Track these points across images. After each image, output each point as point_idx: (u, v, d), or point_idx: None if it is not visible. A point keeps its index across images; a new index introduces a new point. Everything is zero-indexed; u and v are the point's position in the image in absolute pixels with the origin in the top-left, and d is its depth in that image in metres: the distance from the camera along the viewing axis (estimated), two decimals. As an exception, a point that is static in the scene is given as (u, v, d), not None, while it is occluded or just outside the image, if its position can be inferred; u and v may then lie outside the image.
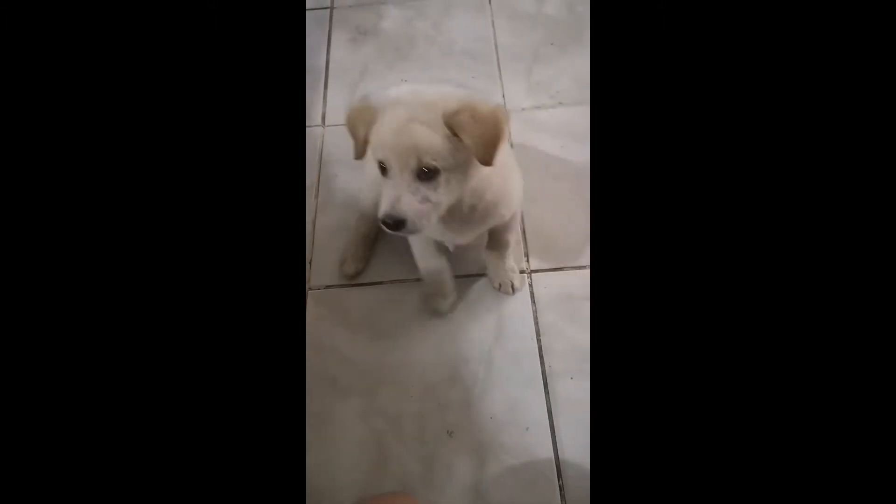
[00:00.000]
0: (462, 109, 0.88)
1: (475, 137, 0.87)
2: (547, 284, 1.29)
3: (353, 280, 1.33)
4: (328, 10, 1.82)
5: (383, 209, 0.89)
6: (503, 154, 1.00)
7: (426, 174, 0.89)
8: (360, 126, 0.92)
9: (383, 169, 0.91)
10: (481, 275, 1.31)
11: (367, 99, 0.94)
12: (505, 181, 1.06)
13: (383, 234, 1.29)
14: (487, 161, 0.90)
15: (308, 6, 1.83)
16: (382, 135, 0.88)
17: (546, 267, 1.32)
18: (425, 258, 1.20)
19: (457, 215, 1.02)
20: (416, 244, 1.19)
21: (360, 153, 0.94)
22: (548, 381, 1.17)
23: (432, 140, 0.87)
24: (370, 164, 1.28)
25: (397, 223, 0.88)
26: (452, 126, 0.87)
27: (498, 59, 1.67)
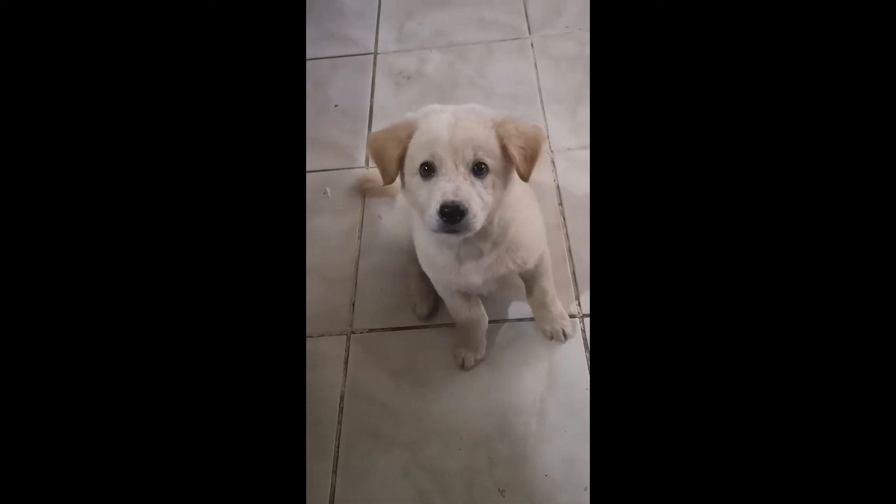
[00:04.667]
0: (508, 121, 0.90)
1: (518, 149, 0.88)
2: (601, 330, 1.21)
3: (428, 320, 1.27)
4: (372, 56, 1.86)
5: (443, 198, 0.84)
6: (528, 195, 1.01)
7: (478, 171, 0.88)
8: (391, 145, 0.90)
9: (427, 171, 0.88)
10: (530, 319, 1.24)
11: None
12: (528, 223, 1.04)
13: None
14: (526, 175, 0.91)
15: (352, 52, 1.88)
16: (432, 134, 0.87)
17: (599, 311, 1.24)
18: (456, 309, 1.15)
19: (483, 242, 0.98)
20: (445, 295, 1.14)
21: (392, 174, 0.92)
22: (606, 436, 1.08)
23: (487, 136, 0.88)
24: (399, 198, 1.26)
25: (459, 212, 0.84)
26: (500, 134, 0.88)
27: (541, 100, 1.66)
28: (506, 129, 0.88)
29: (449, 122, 0.87)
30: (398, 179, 0.94)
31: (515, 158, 0.88)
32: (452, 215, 0.84)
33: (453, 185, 0.85)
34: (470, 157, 0.86)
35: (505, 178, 0.91)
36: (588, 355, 1.19)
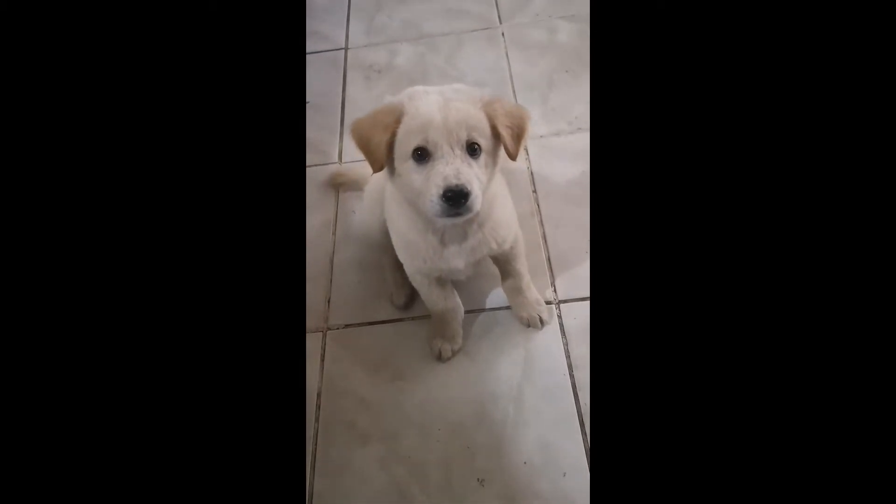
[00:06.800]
0: (494, 100, 0.90)
1: (506, 129, 0.88)
2: (577, 315, 1.21)
3: (406, 310, 1.26)
4: (342, 51, 1.84)
5: (445, 183, 0.83)
6: (503, 182, 1.01)
7: (472, 151, 0.87)
8: (377, 131, 0.88)
9: (420, 156, 0.86)
10: (506, 307, 1.24)
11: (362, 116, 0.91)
12: (507, 206, 1.06)
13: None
14: (514, 154, 0.91)
15: (323, 48, 1.86)
16: (424, 117, 0.85)
17: (575, 296, 1.24)
18: (432, 299, 1.13)
19: (469, 223, 0.97)
20: (422, 286, 1.12)
21: (381, 161, 0.89)
22: (584, 420, 1.08)
23: (478, 116, 0.87)
24: (368, 188, 1.25)
25: (463, 195, 0.83)
26: (489, 113, 0.88)
27: (513, 87, 1.65)
28: (493, 108, 0.88)
29: (439, 104, 0.86)
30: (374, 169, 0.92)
31: (504, 137, 0.88)
32: (456, 199, 0.84)
33: (453, 168, 0.84)
34: (464, 137, 0.86)
35: (494, 157, 0.91)
36: (565, 341, 1.18)
